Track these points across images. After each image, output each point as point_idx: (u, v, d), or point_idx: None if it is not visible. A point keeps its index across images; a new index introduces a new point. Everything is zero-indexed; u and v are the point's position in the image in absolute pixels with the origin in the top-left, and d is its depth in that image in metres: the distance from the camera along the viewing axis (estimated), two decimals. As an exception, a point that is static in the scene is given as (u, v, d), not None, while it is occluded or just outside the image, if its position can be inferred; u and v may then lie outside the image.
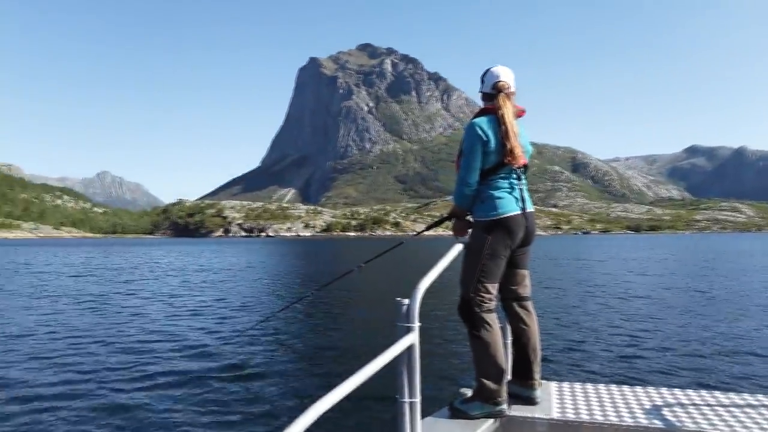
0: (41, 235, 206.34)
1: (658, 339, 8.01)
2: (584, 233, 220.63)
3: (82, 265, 29.69)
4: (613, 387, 2.92)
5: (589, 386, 2.94)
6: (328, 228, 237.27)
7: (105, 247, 68.91)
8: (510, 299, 2.75)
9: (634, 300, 12.67)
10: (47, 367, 6.64)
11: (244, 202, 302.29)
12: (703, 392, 2.78)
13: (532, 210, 2.69)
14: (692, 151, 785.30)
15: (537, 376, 2.69)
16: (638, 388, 2.88)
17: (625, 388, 2.89)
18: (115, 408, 5.14)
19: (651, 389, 2.85)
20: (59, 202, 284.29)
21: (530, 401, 2.63)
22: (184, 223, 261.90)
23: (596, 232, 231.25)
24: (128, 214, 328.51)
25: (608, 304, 11.93)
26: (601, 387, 2.93)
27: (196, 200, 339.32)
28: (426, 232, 3.24)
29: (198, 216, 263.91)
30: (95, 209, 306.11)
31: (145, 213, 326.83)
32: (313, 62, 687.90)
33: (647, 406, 2.56)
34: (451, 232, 2.78)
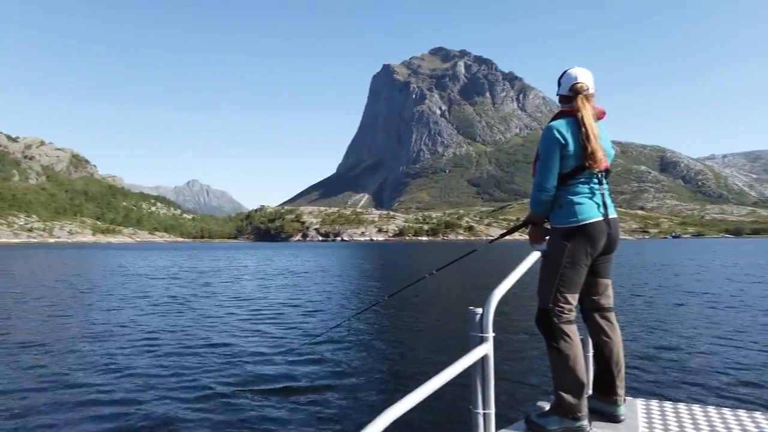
0: (138, 239, 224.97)
1: (766, 356, 7.16)
2: (674, 237, 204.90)
3: (172, 267, 31.82)
4: (711, 409, 2.67)
5: (681, 406, 2.72)
6: (400, 232, 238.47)
7: (193, 251, 73.59)
8: (591, 310, 2.63)
9: (734, 311, 11.46)
10: (118, 366, 7.03)
11: (321, 208, 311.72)
12: None
13: (615, 216, 2.57)
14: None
15: (620, 391, 2.54)
16: (741, 412, 2.60)
17: (726, 411, 2.62)
18: (185, 410, 5.22)
19: (758, 414, 2.57)
20: (154, 209, 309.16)
21: (613, 418, 2.50)
22: (265, 228, 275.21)
23: (688, 236, 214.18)
24: (214, 219, 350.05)
25: (704, 315, 10.89)
26: (696, 408, 2.69)
27: (277, 206, 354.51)
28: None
29: (278, 221, 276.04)
30: (185, 215, 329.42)
31: (230, 219, 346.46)
32: (386, 69, 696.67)
33: None
34: (527, 237, 2.67)
